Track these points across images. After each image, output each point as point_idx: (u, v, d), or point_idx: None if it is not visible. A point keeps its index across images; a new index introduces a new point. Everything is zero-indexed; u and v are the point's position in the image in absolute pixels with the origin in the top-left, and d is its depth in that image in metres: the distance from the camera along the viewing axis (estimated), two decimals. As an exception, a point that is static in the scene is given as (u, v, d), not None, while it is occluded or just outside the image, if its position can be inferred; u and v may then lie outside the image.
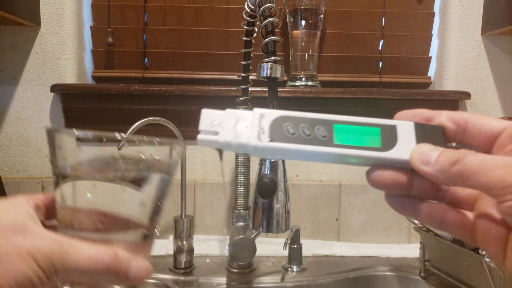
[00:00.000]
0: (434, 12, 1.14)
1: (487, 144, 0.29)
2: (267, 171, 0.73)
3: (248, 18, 0.82)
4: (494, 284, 0.70)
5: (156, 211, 0.35)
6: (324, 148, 0.29)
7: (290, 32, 1.08)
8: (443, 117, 0.30)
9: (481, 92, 1.08)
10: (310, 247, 0.99)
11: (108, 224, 0.33)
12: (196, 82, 1.11)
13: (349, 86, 1.12)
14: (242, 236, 0.82)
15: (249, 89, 0.89)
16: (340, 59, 1.13)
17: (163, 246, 0.98)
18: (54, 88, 1.02)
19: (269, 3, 0.72)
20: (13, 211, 0.32)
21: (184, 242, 0.88)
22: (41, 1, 1.04)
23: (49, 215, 0.35)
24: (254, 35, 0.85)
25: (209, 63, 1.12)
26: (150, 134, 0.34)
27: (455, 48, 1.08)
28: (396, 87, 1.12)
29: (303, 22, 1.05)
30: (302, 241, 0.91)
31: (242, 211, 0.90)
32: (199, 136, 0.30)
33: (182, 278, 0.86)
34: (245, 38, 0.85)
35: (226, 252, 0.88)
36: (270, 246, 0.98)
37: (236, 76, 0.98)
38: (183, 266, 0.88)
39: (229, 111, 0.31)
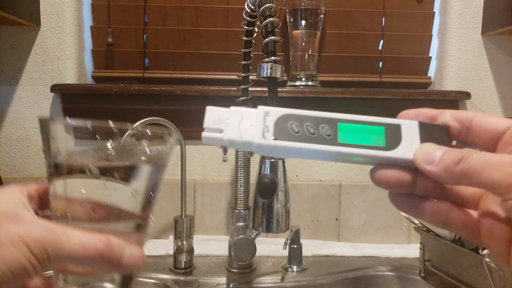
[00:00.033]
0: (434, 12, 1.14)
1: (492, 143, 0.29)
2: (267, 171, 0.72)
3: (248, 18, 0.82)
4: (494, 284, 0.70)
5: (149, 201, 0.35)
6: (328, 147, 0.29)
7: (290, 32, 1.08)
8: (447, 116, 0.30)
9: (481, 92, 1.09)
10: (310, 247, 0.99)
11: (102, 214, 0.33)
12: (196, 82, 1.11)
13: (349, 86, 1.12)
14: (242, 236, 0.81)
15: (249, 89, 0.89)
16: (340, 59, 1.13)
17: (163, 246, 0.98)
18: (54, 88, 1.01)
19: (269, 3, 0.72)
20: (5, 199, 0.32)
21: (184, 242, 0.88)
22: (41, 1, 1.04)
23: (43, 205, 0.36)
24: (254, 35, 0.85)
25: (209, 63, 1.12)
26: (150, 134, 0.35)
27: (455, 48, 1.08)
28: (396, 87, 1.12)
29: (303, 22, 1.05)
30: (302, 241, 0.91)
31: (242, 211, 0.90)
32: (204, 134, 0.30)
33: (182, 278, 0.86)
34: (245, 38, 0.85)
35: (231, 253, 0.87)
36: (270, 246, 0.98)
37: (236, 76, 0.98)
38: (183, 266, 0.88)
39: (233, 108, 0.31)
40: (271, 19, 0.70)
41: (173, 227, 0.89)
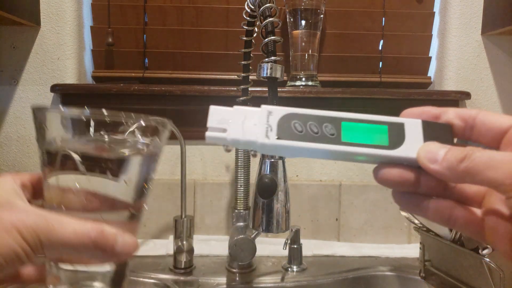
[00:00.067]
0: (434, 12, 1.14)
1: (495, 141, 0.29)
2: (267, 171, 0.72)
3: (248, 18, 0.82)
4: (494, 284, 0.70)
5: (142, 191, 0.35)
6: (332, 146, 0.29)
7: (290, 32, 1.08)
8: (450, 114, 0.30)
9: (481, 92, 1.09)
10: (310, 247, 0.99)
11: (95, 203, 0.33)
12: (196, 82, 1.11)
13: (349, 86, 1.12)
14: (242, 236, 0.81)
15: (249, 89, 0.89)
16: (340, 59, 1.14)
17: (163, 246, 0.98)
18: (54, 88, 1.01)
19: (269, 3, 0.71)
20: None
21: (184, 242, 0.88)
22: (41, 1, 1.04)
23: (36, 194, 0.36)
24: (254, 35, 0.85)
25: (209, 63, 1.12)
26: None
27: (455, 48, 1.08)
28: (396, 87, 1.12)
29: (303, 22, 1.05)
30: (302, 241, 0.91)
31: (242, 211, 0.90)
32: (207, 133, 0.30)
33: (182, 278, 0.86)
34: (245, 38, 0.85)
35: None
36: (270, 246, 0.98)
37: (236, 76, 0.98)
38: (183, 266, 0.88)
39: (237, 107, 0.31)
40: (271, 19, 0.70)
41: (173, 227, 0.88)
